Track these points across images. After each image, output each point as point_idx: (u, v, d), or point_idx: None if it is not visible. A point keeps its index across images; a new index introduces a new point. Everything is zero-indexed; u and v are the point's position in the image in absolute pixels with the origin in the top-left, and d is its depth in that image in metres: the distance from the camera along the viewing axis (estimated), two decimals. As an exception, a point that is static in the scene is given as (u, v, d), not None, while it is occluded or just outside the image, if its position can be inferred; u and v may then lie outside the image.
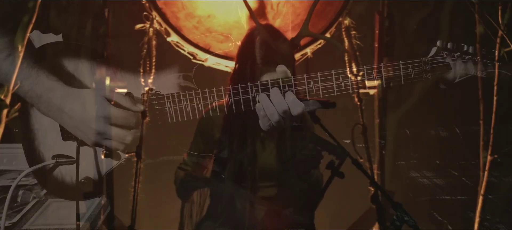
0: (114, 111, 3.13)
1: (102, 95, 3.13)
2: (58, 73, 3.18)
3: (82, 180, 3.21)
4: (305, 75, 2.90)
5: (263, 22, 3.02)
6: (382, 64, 2.94)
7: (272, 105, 2.78)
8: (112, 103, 3.13)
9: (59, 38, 3.31)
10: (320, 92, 3.01)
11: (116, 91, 3.14)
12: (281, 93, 2.73)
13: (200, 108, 3.02)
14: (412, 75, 2.95)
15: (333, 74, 2.92)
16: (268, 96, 2.80)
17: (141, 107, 3.10)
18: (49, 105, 3.13)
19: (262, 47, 2.88)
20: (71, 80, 3.20)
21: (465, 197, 3.54)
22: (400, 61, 2.94)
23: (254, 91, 2.86)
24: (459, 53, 2.92)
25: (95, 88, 3.17)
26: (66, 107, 3.15)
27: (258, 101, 2.71)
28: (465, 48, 2.94)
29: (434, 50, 2.98)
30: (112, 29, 3.23)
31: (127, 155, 3.13)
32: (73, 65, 3.22)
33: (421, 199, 3.64)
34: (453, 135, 3.56)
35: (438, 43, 2.97)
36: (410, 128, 3.55)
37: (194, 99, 3.05)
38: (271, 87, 2.85)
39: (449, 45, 2.95)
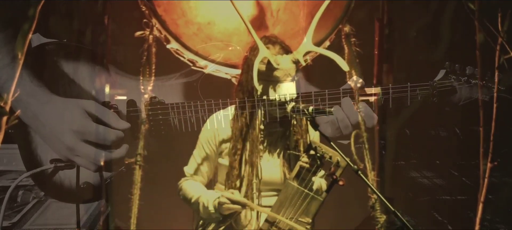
0: (89, 126, 3.06)
1: (82, 107, 3.06)
2: (50, 77, 3.14)
3: (82, 185, 3.19)
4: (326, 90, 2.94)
5: (267, 34, 3.01)
6: (390, 85, 2.94)
7: (347, 118, 2.82)
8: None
9: None
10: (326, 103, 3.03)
11: (100, 104, 3.07)
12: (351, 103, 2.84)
13: (205, 119, 3.02)
14: (419, 98, 2.95)
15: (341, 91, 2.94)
16: (342, 108, 2.82)
17: (125, 125, 3.06)
18: (25, 111, 3.08)
19: (264, 63, 2.88)
20: (70, 85, 3.19)
21: (465, 197, 3.54)
22: (408, 83, 2.94)
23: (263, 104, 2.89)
24: (466, 78, 2.92)
25: (79, 100, 3.11)
26: (41, 114, 3.09)
27: (332, 113, 2.75)
28: (468, 71, 2.93)
29: (442, 73, 2.97)
30: (112, 36, 3.23)
31: (126, 163, 3.13)
32: (73, 69, 3.20)
33: (421, 199, 3.64)
34: (453, 135, 3.56)
35: (446, 65, 2.96)
36: (410, 128, 3.55)
37: (200, 110, 3.05)
38: (343, 96, 2.87)
39: (456, 68, 2.94)
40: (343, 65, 2.91)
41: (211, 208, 2.87)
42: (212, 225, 2.98)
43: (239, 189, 2.94)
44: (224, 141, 3.00)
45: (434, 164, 3.64)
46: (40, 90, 3.13)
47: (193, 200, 2.97)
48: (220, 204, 2.83)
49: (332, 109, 2.91)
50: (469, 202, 3.37)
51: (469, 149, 3.36)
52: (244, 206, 2.83)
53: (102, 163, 3.17)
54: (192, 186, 3.03)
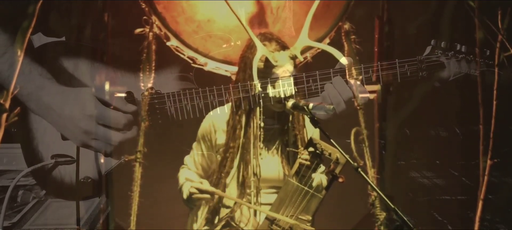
0: (103, 110, 3.12)
1: (92, 94, 3.13)
2: (55, 72, 3.18)
3: (82, 179, 3.21)
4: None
5: (263, 30, 3.02)
6: (379, 63, 2.96)
7: (339, 94, 2.84)
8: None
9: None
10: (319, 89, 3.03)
11: (115, 94, 3.15)
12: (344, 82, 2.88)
13: (200, 106, 3.03)
14: (408, 74, 2.98)
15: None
16: (334, 85, 2.84)
17: (133, 108, 3.10)
18: (38, 103, 3.13)
19: (262, 60, 2.89)
20: (71, 80, 3.21)
21: (465, 197, 3.53)
22: (396, 59, 2.96)
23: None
24: (453, 52, 2.94)
25: (88, 88, 3.16)
26: (54, 104, 3.14)
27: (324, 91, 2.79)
28: (458, 47, 2.95)
29: (428, 49, 3.00)
30: (111, 33, 3.23)
31: (126, 159, 3.13)
32: (73, 65, 3.22)
33: (421, 199, 3.63)
34: (453, 135, 3.56)
35: (432, 42, 2.99)
36: (410, 128, 3.54)
37: (194, 97, 3.06)
38: (333, 76, 2.89)
39: (442, 44, 2.97)
40: (340, 56, 2.93)
41: (184, 196, 2.94)
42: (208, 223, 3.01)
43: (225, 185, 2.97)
44: (220, 138, 3.01)
45: (434, 164, 3.63)
46: (50, 83, 3.17)
47: (179, 187, 3.03)
48: (191, 193, 2.87)
49: (332, 106, 2.92)
50: (469, 202, 3.36)
51: (469, 149, 3.35)
52: (212, 195, 2.87)
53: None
54: (183, 174, 3.07)
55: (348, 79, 2.97)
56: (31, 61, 3.13)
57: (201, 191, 2.85)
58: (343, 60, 2.95)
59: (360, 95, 2.99)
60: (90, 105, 3.15)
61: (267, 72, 2.89)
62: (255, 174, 2.93)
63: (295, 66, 2.94)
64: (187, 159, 3.12)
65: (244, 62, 2.95)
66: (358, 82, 2.98)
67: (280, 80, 2.89)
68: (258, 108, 2.95)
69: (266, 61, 2.88)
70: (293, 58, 2.91)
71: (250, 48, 2.93)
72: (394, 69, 2.97)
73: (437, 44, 2.97)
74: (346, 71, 2.98)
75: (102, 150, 3.19)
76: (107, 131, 3.17)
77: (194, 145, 3.09)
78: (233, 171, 2.96)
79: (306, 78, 2.99)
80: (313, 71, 3.03)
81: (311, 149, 2.80)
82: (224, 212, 2.98)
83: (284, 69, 2.89)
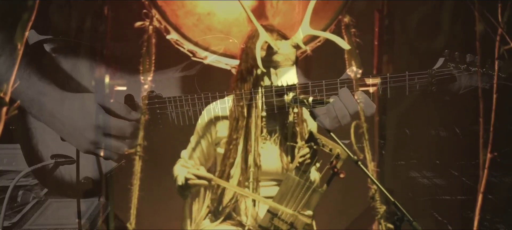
0: (108, 120, 3.10)
1: (97, 103, 3.10)
2: (53, 74, 3.15)
3: (82, 180, 3.20)
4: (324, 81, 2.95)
5: (264, 22, 3.02)
6: (388, 75, 2.95)
7: (345, 107, 2.84)
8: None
9: None
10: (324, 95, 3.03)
11: (112, 100, 3.12)
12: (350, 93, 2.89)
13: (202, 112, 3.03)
14: (417, 87, 2.95)
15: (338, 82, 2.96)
16: (340, 98, 2.86)
17: (138, 115, 3.09)
18: (40, 110, 3.10)
19: (264, 49, 2.88)
20: (68, 81, 3.19)
21: (465, 197, 3.54)
22: (407, 72, 2.93)
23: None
24: (465, 66, 2.91)
25: (91, 94, 3.14)
26: (58, 112, 3.11)
27: (329, 103, 2.79)
28: (468, 58, 2.93)
29: (441, 61, 2.96)
30: (111, 27, 3.22)
31: (126, 153, 3.13)
32: (71, 64, 3.21)
33: (421, 199, 3.64)
34: (453, 135, 3.56)
35: (445, 53, 2.96)
36: (410, 128, 3.54)
37: (197, 103, 3.05)
38: (340, 87, 2.88)
39: (456, 56, 2.95)
40: (343, 44, 2.92)
41: (179, 183, 2.93)
42: (209, 216, 3.01)
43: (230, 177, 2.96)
44: (221, 131, 3.01)
45: (434, 164, 3.64)
46: (51, 88, 3.15)
47: (174, 178, 3.02)
48: (187, 179, 2.85)
49: (331, 99, 2.92)
50: (469, 202, 3.37)
51: (469, 148, 3.36)
52: (209, 181, 2.85)
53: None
54: (179, 167, 3.06)
55: (355, 90, 2.97)
56: (28, 64, 3.10)
57: (199, 177, 2.85)
58: (355, 72, 2.95)
59: (368, 108, 2.99)
60: (96, 115, 3.12)
61: (269, 59, 2.88)
62: (255, 165, 2.93)
63: (297, 57, 2.94)
64: (184, 153, 3.12)
65: (246, 52, 2.94)
66: (365, 95, 2.97)
67: (282, 69, 2.88)
68: (260, 99, 2.95)
69: (268, 48, 2.87)
70: (296, 46, 2.91)
71: (251, 38, 2.93)
72: (403, 82, 2.96)
73: (450, 56, 2.95)
74: (353, 81, 2.98)
75: (112, 158, 3.18)
76: (112, 141, 3.16)
77: (192, 138, 3.09)
78: (237, 162, 2.96)
79: (312, 88, 3.00)
80: (314, 64, 3.03)
81: (311, 143, 2.80)
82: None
83: (286, 57, 2.88)
